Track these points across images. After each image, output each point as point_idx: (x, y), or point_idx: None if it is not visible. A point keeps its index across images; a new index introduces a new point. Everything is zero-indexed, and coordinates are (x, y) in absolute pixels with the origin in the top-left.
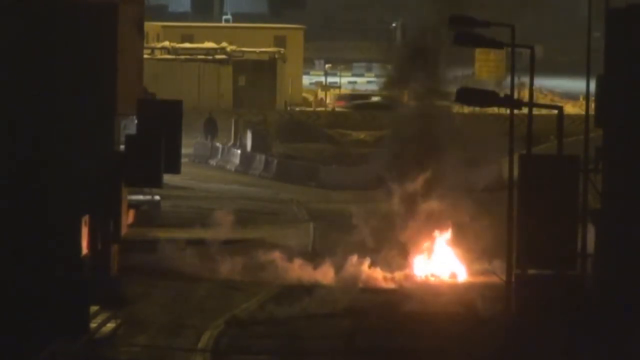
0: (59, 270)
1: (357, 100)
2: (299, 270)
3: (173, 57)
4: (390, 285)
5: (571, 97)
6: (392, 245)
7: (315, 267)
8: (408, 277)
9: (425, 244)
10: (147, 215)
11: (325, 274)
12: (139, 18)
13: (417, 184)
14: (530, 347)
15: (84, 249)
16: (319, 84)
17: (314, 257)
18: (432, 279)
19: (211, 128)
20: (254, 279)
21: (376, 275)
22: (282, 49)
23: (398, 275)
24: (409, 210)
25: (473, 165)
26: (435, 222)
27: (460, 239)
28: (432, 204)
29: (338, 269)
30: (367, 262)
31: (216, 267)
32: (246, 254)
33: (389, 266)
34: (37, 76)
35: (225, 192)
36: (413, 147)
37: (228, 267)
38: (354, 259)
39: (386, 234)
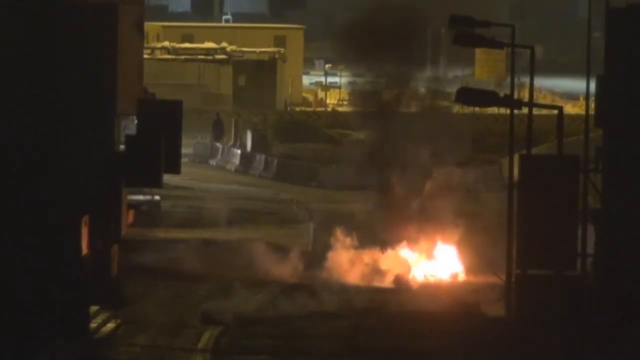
0: (59, 270)
1: None
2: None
3: (173, 57)
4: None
5: (571, 97)
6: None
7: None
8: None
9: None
10: (147, 215)
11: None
12: (139, 18)
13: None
14: (531, 347)
15: (84, 249)
16: (319, 84)
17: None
18: (432, 278)
19: (218, 129)
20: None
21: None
22: (282, 49)
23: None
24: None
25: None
26: (427, 220)
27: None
28: (427, 202)
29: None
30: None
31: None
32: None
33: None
34: (37, 76)
35: (225, 192)
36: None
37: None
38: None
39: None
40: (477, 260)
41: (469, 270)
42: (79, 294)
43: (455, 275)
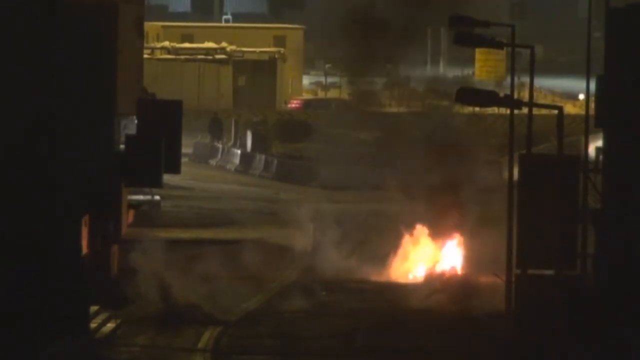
0: (59, 270)
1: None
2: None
3: (173, 57)
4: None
5: (571, 97)
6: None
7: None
8: None
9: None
10: (147, 215)
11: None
12: (139, 18)
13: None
14: (530, 347)
15: (84, 249)
16: (319, 84)
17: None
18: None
19: (216, 129)
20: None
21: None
22: (282, 49)
23: None
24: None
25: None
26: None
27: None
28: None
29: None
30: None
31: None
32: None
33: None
34: (36, 76)
35: (225, 192)
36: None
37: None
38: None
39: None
40: (477, 259)
41: (468, 269)
42: (79, 294)
43: (454, 275)
